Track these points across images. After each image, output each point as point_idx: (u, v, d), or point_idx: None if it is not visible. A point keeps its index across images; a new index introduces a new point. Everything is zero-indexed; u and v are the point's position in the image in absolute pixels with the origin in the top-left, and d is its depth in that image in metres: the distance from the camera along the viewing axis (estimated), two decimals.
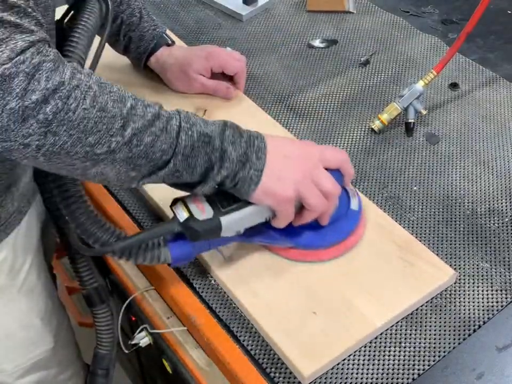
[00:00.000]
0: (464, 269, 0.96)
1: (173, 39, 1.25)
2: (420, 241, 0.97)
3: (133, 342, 1.10)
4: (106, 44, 1.23)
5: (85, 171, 0.75)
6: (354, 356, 0.86)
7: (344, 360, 0.85)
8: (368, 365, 0.85)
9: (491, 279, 0.94)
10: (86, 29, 0.89)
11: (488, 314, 0.90)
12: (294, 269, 0.93)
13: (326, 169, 0.88)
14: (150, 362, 1.31)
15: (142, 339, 1.10)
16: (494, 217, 1.03)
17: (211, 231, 0.85)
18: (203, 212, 0.84)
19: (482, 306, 0.91)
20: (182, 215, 0.84)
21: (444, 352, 0.86)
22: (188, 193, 0.86)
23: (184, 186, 0.84)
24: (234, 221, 0.85)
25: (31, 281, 1.09)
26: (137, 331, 1.10)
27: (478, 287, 0.94)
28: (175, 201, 0.87)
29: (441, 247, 0.98)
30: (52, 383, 1.23)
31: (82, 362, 1.34)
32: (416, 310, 0.90)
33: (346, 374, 0.84)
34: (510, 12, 1.50)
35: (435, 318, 0.90)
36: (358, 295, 0.89)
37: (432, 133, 1.18)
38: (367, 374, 0.84)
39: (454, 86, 1.28)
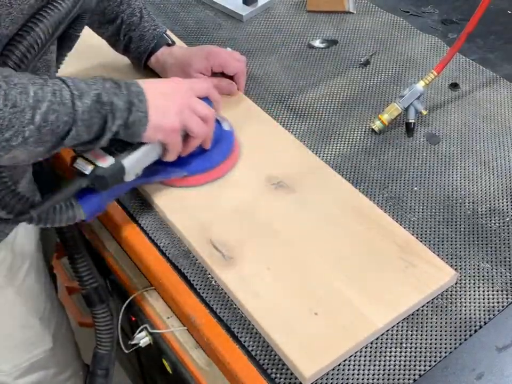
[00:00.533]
0: (465, 269, 0.96)
1: (173, 39, 1.25)
2: (421, 241, 0.97)
3: (133, 342, 1.10)
4: (106, 44, 1.23)
5: None
6: (355, 356, 0.86)
7: (345, 360, 0.85)
8: (369, 365, 0.85)
9: (492, 280, 0.94)
10: (54, 11, 0.87)
11: (489, 314, 0.90)
12: (295, 269, 0.93)
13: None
14: (150, 362, 1.31)
15: (142, 339, 1.10)
16: (494, 217, 1.03)
17: (116, 175, 0.92)
18: (104, 160, 0.91)
19: (483, 307, 0.91)
20: (87, 168, 0.90)
21: (445, 352, 0.86)
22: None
23: (82, 144, 0.88)
24: (134, 162, 0.93)
25: (30, 282, 1.09)
26: (137, 331, 1.10)
27: (479, 287, 0.94)
28: (74, 159, 0.92)
29: (442, 248, 0.98)
30: (51, 383, 1.23)
31: (82, 362, 1.34)
32: (417, 310, 0.90)
33: (347, 374, 0.84)
34: (510, 12, 1.50)
35: (436, 319, 0.90)
36: (359, 295, 0.89)
37: (433, 133, 1.18)
38: (368, 374, 0.84)
39: (454, 86, 1.28)
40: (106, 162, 0.90)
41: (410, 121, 1.17)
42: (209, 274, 0.95)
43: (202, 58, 1.19)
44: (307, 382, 0.82)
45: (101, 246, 1.18)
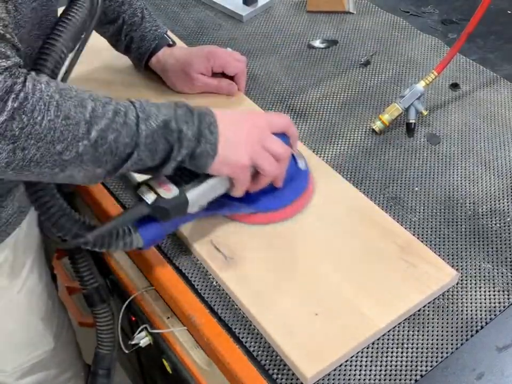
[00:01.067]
0: (466, 269, 0.96)
1: (174, 39, 1.25)
2: (422, 242, 0.97)
3: (133, 342, 1.10)
4: (108, 44, 1.23)
5: (54, 176, 0.77)
6: (356, 357, 0.86)
7: (346, 361, 0.85)
8: (370, 366, 0.85)
9: (493, 280, 0.94)
10: (69, 24, 0.86)
11: (490, 315, 0.90)
12: (296, 269, 0.93)
13: (273, 134, 0.93)
14: (150, 362, 1.31)
15: (142, 339, 1.10)
16: (495, 218, 1.03)
17: (179, 207, 0.89)
18: (168, 190, 0.88)
19: (485, 307, 0.91)
20: (150, 196, 0.87)
21: (447, 353, 0.86)
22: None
23: (146, 170, 0.86)
24: (198, 195, 0.90)
25: (31, 282, 1.09)
26: (137, 331, 1.10)
27: (480, 287, 0.94)
28: (138, 185, 0.90)
29: (443, 248, 0.98)
30: None
31: (83, 363, 1.34)
32: (418, 311, 0.90)
33: (349, 375, 0.84)
34: (510, 12, 1.50)
35: (437, 319, 0.90)
36: (360, 296, 0.89)
37: (433, 134, 1.18)
38: (369, 375, 0.84)
39: (454, 86, 1.28)
40: (171, 192, 0.88)
41: (410, 121, 1.17)
42: (210, 274, 0.95)
43: (202, 59, 1.19)
44: (308, 383, 0.82)
45: None
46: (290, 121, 0.97)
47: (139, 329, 1.10)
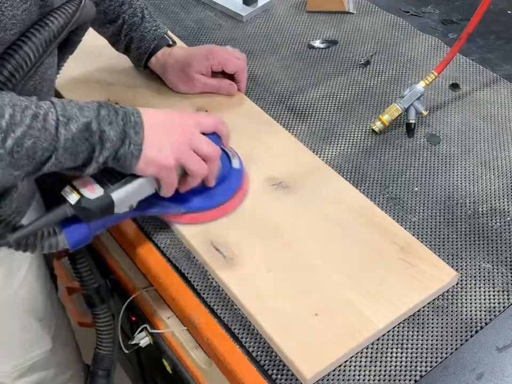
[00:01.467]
0: (466, 269, 0.96)
1: (174, 39, 1.25)
2: (421, 242, 0.96)
3: (133, 342, 1.10)
4: (108, 44, 1.23)
5: None
6: (356, 357, 0.85)
7: (346, 362, 0.85)
8: (370, 366, 0.85)
9: (493, 280, 0.94)
10: (45, 29, 0.85)
11: (490, 315, 0.90)
12: (295, 269, 0.93)
13: (205, 134, 0.93)
14: (150, 362, 1.31)
15: (142, 339, 1.10)
16: (495, 218, 1.03)
17: (104, 208, 0.87)
18: (92, 191, 0.86)
19: (484, 308, 0.91)
20: (73, 197, 0.86)
21: (446, 353, 0.86)
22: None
23: (69, 170, 0.85)
24: (125, 196, 0.88)
25: (29, 282, 1.08)
26: (137, 331, 1.10)
27: (480, 288, 0.94)
28: (64, 185, 0.88)
29: (443, 248, 0.98)
30: None
31: (83, 363, 1.34)
32: (418, 311, 0.90)
33: (348, 375, 0.84)
34: (510, 12, 1.50)
35: (437, 320, 0.90)
36: (359, 296, 0.89)
37: (433, 134, 1.18)
38: (369, 375, 0.84)
39: (454, 86, 1.28)
40: (95, 193, 0.86)
41: (410, 121, 1.17)
42: (210, 275, 0.95)
43: (202, 59, 1.19)
44: (308, 383, 0.82)
45: (102, 246, 1.18)
46: (221, 121, 0.97)
47: (139, 329, 1.10)
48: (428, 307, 0.91)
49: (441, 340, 0.87)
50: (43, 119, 0.79)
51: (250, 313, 0.88)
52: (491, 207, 1.04)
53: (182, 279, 0.96)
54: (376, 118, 1.18)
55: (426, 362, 0.85)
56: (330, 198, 1.02)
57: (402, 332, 0.88)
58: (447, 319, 0.90)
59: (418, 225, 1.01)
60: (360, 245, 0.95)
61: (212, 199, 0.99)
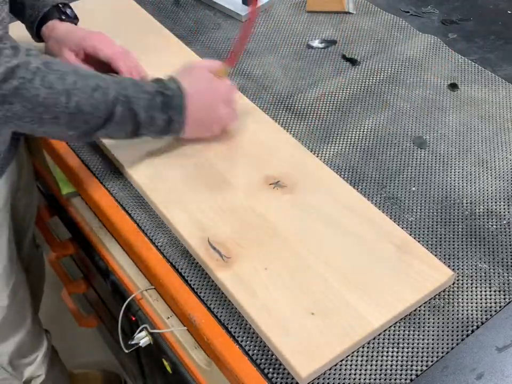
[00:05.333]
0: (462, 269, 0.96)
1: (76, 15, 1.21)
2: (418, 241, 0.97)
3: (133, 342, 1.10)
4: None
5: (33, 131, 0.92)
6: (352, 356, 0.86)
7: (342, 361, 0.85)
8: (366, 365, 0.85)
9: (489, 280, 0.95)
10: None
11: (486, 315, 0.90)
12: (292, 269, 0.93)
13: None
14: (150, 362, 1.32)
15: (142, 339, 1.10)
16: (492, 220, 1.03)
17: None
18: None
19: (481, 307, 0.91)
20: None
21: (442, 353, 0.86)
22: None
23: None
24: None
25: None
26: (137, 331, 1.10)
27: (476, 288, 0.94)
28: None
29: (440, 248, 0.99)
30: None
31: (38, 324, 1.39)
32: (415, 310, 0.90)
33: (344, 374, 0.84)
34: (510, 12, 1.50)
35: (433, 319, 0.90)
36: (356, 296, 0.89)
37: (420, 136, 1.17)
38: (365, 374, 0.84)
39: (453, 86, 1.28)
40: None
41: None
42: (207, 274, 0.95)
43: (78, 39, 1.14)
44: (303, 382, 0.83)
45: (101, 246, 1.18)
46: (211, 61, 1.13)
47: (139, 329, 1.10)
48: (424, 306, 0.91)
49: (438, 339, 0.88)
50: (103, 92, 0.91)
51: (247, 312, 0.88)
52: (488, 209, 1.04)
53: (182, 279, 0.96)
54: (375, 117, 1.17)
55: (422, 361, 0.85)
56: (327, 198, 1.02)
57: (399, 331, 0.88)
58: (443, 319, 0.90)
59: (415, 225, 1.02)
60: (356, 244, 0.96)
61: None
